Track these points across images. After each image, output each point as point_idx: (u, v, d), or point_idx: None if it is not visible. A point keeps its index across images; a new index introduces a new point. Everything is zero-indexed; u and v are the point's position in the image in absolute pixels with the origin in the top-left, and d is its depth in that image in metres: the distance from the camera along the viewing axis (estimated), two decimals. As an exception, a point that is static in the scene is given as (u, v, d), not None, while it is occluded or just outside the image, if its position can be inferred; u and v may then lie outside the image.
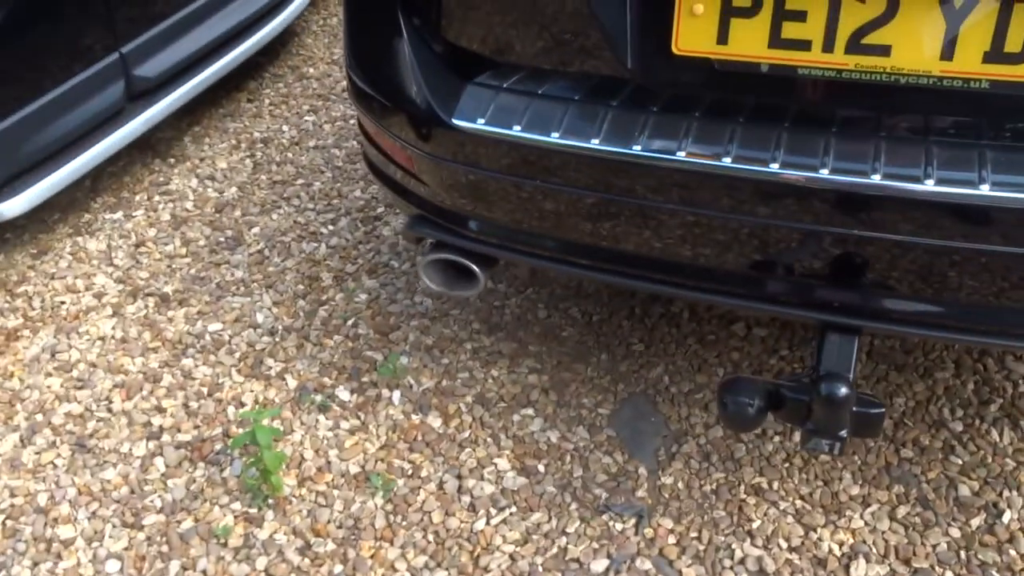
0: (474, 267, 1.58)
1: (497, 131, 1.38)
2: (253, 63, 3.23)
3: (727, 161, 1.27)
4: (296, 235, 2.39)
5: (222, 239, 2.39)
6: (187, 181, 2.65)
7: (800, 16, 1.21)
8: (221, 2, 2.89)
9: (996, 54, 1.16)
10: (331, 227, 2.41)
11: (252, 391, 1.91)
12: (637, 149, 1.31)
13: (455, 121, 1.41)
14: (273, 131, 2.90)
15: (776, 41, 1.24)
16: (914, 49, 1.19)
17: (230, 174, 2.68)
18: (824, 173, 1.23)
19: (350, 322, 2.09)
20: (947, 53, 1.18)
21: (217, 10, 2.88)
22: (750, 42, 1.25)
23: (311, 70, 3.29)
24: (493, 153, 1.41)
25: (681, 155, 1.29)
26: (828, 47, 1.22)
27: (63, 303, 2.18)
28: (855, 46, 1.21)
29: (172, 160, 2.76)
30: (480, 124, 1.40)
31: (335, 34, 3.57)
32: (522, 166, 1.40)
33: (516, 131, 1.37)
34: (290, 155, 2.76)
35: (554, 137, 1.35)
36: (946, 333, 1.36)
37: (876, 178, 1.21)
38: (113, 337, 2.07)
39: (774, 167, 1.25)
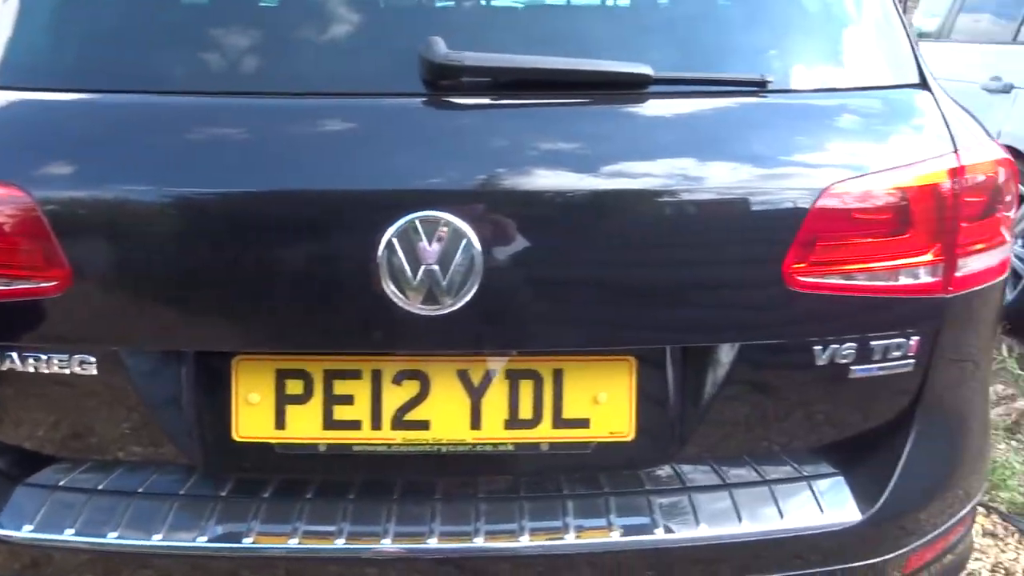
0: None
1: (46, 537, 1.29)
2: None
3: (294, 543, 1.29)
4: None
5: None
6: None
7: (348, 400, 1.34)
8: None
9: (514, 421, 1.36)
10: None
11: None
12: (202, 541, 1.28)
13: (-3, 530, 1.29)
14: None
15: (329, 423, 1.33)
16: (448, 421, 1.35)
17: None
18: (387, 543, 1.30)
19: None
20: (475, 423, 1.35)
21: None
22: (306, 425, 1.33)
23: None
24: (46, 560, 1.30)
25: (248, 542, 1.29)
26: (376, 425, 1.34)
27: None
28: (399, 423, 1.34)
29: None
30: (26, 531, 1.29)
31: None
32: (79, 572, 1.30)
33: (68, 535, 1.28)
34: None
35: (111, 538, 1.28)
36: None
37: (432, 542, 1.30)
38: None
39: (340, 543, 1.29)
